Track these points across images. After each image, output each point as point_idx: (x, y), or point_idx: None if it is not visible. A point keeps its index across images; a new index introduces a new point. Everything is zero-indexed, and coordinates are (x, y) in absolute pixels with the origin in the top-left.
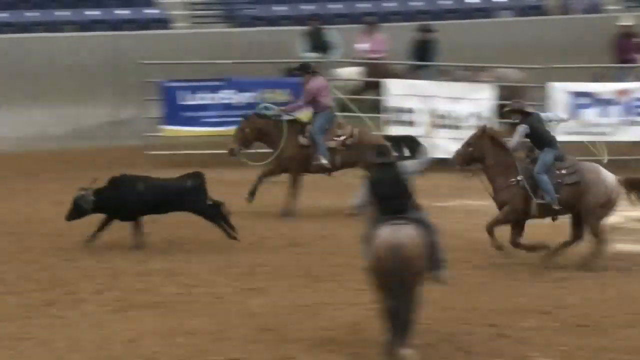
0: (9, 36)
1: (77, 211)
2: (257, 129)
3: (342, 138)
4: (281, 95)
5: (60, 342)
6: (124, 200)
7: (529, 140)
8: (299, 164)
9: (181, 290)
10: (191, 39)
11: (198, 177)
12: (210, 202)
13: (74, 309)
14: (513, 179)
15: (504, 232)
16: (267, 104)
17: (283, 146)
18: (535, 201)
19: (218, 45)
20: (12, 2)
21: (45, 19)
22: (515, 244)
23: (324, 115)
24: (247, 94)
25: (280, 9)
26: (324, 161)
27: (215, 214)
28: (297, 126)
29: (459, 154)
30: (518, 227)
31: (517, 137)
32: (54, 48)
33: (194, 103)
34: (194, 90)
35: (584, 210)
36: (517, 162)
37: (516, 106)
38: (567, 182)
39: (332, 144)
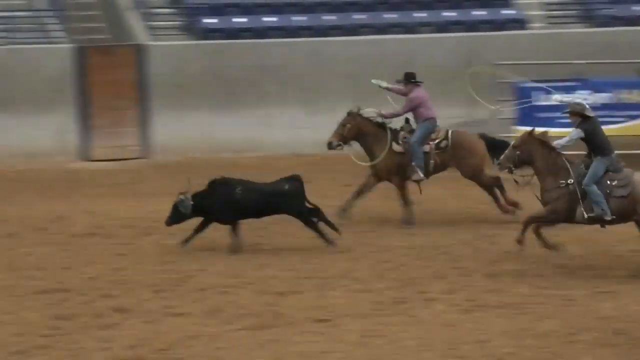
0: (367, 38)
1: (176, 215)
2: (357, 128)
3: (435, 142)
4: (638, 96)
5: (411, 340)
6: (221, 203)
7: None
8: (395, 173)
9: (532, 291)
10: (546, 39)
11: (296, 180)
12: (308, 206)
13: (425, 308)
14: (563, 182)
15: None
16: (380, 81)
17: (381, 155)
18: (581, 210)
19: (573, 46)
20: (370, 4)
21: (404, 20)
22: (537, 233)
23: (427, 125)
24: (603, 95)
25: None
26: (420, 174)
27: (312, 218)
28: (393, 134)
29: (506, 157)
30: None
31: (566, 139)
32: (411, 49)
33: (548, 104)
34: (550, 90)
35: (637, 223)
36: (570, 165)
37: (577, 109)
38: (616, 195)
39: (426, 148)
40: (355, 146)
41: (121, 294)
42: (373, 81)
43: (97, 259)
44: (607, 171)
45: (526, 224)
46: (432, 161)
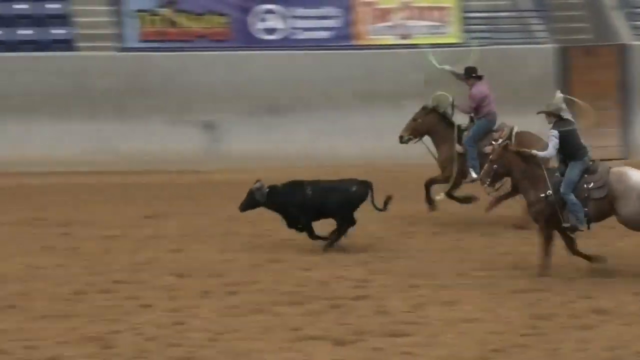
0: None
1: (250, 202)
2: (428, 124)
3: (498, 142)
4: None
5: None
6: (290, 201)
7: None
8: (450, 171)
9: None
10: None
11: (366, 185)
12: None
13: None
14: (542, 194)
15: None
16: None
17: (445, 154)
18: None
19: None
20: None
21: None
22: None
23: (482, 123)
24: None
25: None
26: (473, 175)
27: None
28: (459, 134)
29: (485, 172)
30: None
31: (551, 145)
32: None
33: None
34: None
35: (620, 221)
36: (548, 175)
37: (552, 109)
38: (594, 197)
39: (488, 149)
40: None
41: (600, 296)
42: (438, 66)
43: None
44: (582, 174)
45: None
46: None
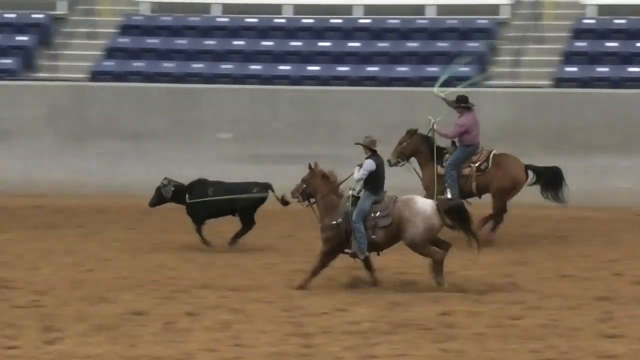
0: None
1: (158, 198)
2: (414, 146)
3: (476, 164)
4: None
5: None
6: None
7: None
8: (434, 191)
9: None
10: None
11: (267, 187)
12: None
13: None
14: (335, 222)
15: None
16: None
17: (426, 173)
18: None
19: None
20: None
21: None
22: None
23: (465, 151)
24: None
25: None
26: (449, 195)
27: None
28: (440, 156)
29: (296, 188)
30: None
31: (363, 172)
32: None
33: None
34: None
35: (407, 244)
36: (341, 204)
37: (366, 142)
38: (381, 225)
39: (466, 171)
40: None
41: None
42: (434, 91)
43: None
44: (372, 204)
45: (312, 275)
46: (473, 184)
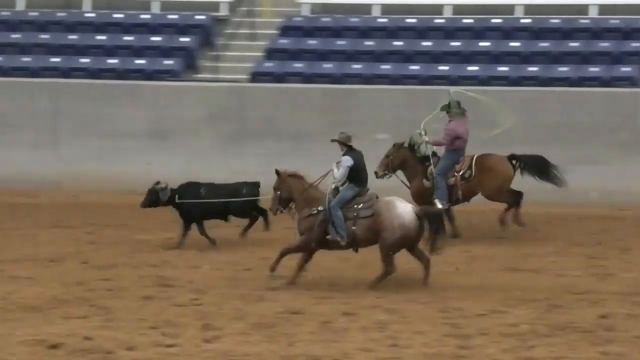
0: None
1: (152, 200)
2: (401, 159)
3: (460, 173)
4: None
5: None
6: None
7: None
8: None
9: None
10: None
11: (256, 186)
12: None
13: None
14: (315, 209)
15: None
16: (421, 131)
17: (415, 187)
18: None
19: None
20: None
21: None
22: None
23: (451, 156)
24: None
25: None
26: (439, 205)
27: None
28: (424, 166)
29: (272, 201)
30: (309, 255)
31: (343, 170)
32: None
33: None
34: None
35: (380, 244)
36: (324, 196)
37: (341, 138)
38: (362, 216)
39: (451, 180)
40: None
41: None
42: (418, 134)
43: None
44: (354, 197)
45: (282, 255)
46: (459, 192)
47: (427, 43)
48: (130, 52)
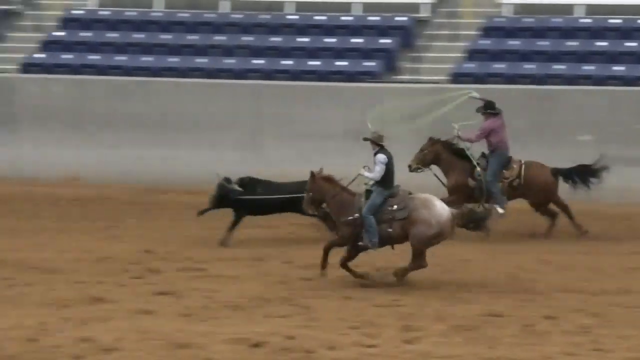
0: None
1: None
2: (436, 154)
3: (508, 180)
4: None
5: None
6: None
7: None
8: (459, 197)
9: None
10: None
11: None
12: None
13: None
14: (351, 217)
15: None
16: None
17: (453, 182)
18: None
19: None
20: None
21: None
22: (343, 265)
23: (497, 157)
24: None
25: None
26: (500, 210)
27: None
28: (468, 166)
29: (305, 202)
30: (352, 252)
31: (379, 168)
32: None
33: None
34: None
35: (412, 240)
36: (355, 200)
37: (374, 137)
38: (398, 217)
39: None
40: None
41: None
42: (470, 95)
43: None
44: (384, 200)
45: (326, 251)
46: (504, 197)
47: (631, 44)
48: (331, 53)
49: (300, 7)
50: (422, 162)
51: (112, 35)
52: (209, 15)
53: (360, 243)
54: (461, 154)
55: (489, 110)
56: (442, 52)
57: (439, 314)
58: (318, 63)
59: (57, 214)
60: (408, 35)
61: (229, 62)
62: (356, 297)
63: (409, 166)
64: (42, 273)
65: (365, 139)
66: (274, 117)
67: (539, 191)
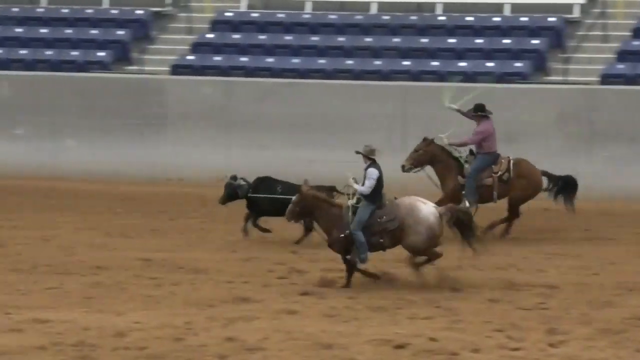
0: None
1: (230, 195)
2: (431, 155)
3: (497, 174)
4: None
5: None
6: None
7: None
8: (458, 201)
9: None
10: None
11: (331, 190)
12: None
13: None
14: (342, 234)
15: None
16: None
17: (451, 185)
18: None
19: None
20: None
21: None
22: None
23: (485, 158)
24: None
25: None
26: (467, 203)
27: None
28: (458, 165)
29: (290, 212)
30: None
31: (369, 183)
32: None
33: None
34: None
35: (407, 249)
36: (344, 215)
37: (365, 151)
38: (389, 228)
39: (488, 181)
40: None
41: None
42: (446, 104)
43: None
44: (372, 214)
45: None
46: (495, 193)
47: None
48: (480, 54)
49: (449, 8)
50: (417, 162)
51: (262, 37)
52: (358, 17)
53: (347, 257)
54: (454, 156)
55: (479, 113)
56: (592, 53)
57: (585, 317)
58: (465, 64)
59: (204, 215)
60: (558, 36)
61: (377, 63)
62: (501, 299)
63: (402, 166)
64: (188, 273)
65: (357, 152)
66: (420, 118)
67: (528, 185)
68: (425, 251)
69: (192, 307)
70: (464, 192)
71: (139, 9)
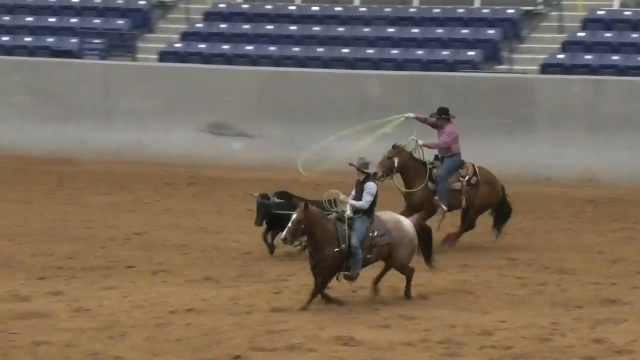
0: None
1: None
2: (401, 162)
3: (466, 178)
4: None
5: None
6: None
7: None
8: (428, 207)
9: None
10: None
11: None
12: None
13: None
14: (337, 249)
15: None
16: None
17: (416, 190)
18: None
19: None
20: None
21: None
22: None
23: (454, 160)
24: None
25: None
26: (443, 206)
27: None
28: (426, 171)
29: (290, 231)
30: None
31: (368, 198)
32: None
33: None
34: None
35: (394, 264)
36: (338, 229)
37: (359, 164)
38: (380, 244)
39: (457, 185)
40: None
41: None
42: (405, 115)
43: None
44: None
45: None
46: (463, 197)
47: None
48: (437, 44)
49: (425, 1)
50: (389, 169)
51: (634, 36)
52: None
53: (345, 273)
54: (423, 162)
55: (444, 116)
56: (547, 43)
57: None
58: (422, 52)
59: (571, 214)
60: (515, 27)
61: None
62: None
63: (375, 174)
64: (554, 273)
65: (351, 165)
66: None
67: (492, 193)
68: (407, 266)
69: (559, 307)
70: (436, 197)
71: (510, 8)
